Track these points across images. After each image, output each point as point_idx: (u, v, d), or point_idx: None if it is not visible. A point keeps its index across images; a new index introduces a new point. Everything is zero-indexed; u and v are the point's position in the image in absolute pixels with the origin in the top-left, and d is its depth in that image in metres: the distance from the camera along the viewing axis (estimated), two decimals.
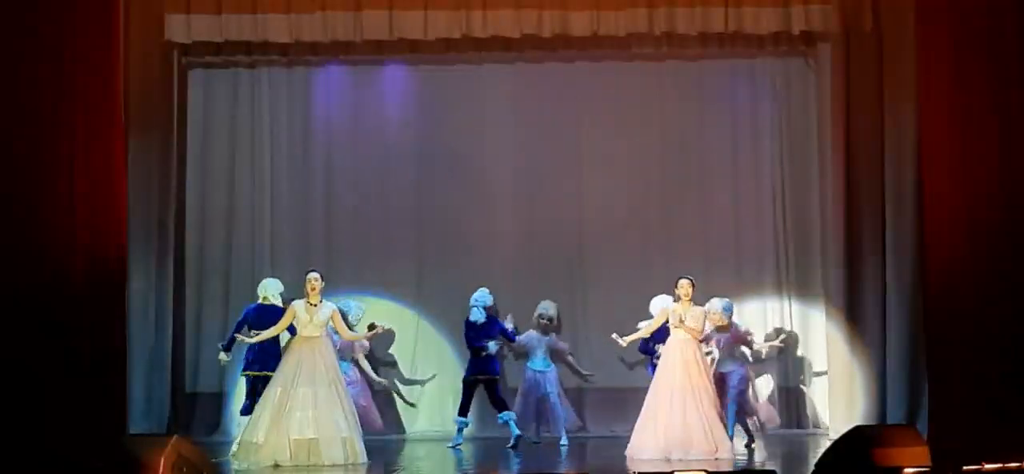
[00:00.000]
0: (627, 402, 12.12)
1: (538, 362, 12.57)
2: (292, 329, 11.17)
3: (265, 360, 11.74)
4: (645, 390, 11.37)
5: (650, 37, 12.76)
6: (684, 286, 11.29)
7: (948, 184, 11.66)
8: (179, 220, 12.95)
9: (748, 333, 12.46)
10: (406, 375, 13.20)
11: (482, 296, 12.43)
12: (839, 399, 12.74)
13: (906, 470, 8.11)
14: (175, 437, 8.53)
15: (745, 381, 12.12)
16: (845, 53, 12.64)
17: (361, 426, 11.12)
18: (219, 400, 12.96)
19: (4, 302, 11.27)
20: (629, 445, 11.16)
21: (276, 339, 11.67)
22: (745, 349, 12.44)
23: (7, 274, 11.33)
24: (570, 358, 12.94)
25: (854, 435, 8.66)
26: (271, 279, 12.36)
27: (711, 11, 12.36)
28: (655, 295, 12.13)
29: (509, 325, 12.56)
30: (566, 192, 13.30)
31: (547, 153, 13.35)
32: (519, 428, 12.10)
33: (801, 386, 13.17)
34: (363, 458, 10.75)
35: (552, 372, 12.58)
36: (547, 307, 12.66)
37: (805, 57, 13.25)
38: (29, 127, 11.53)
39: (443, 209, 13.30)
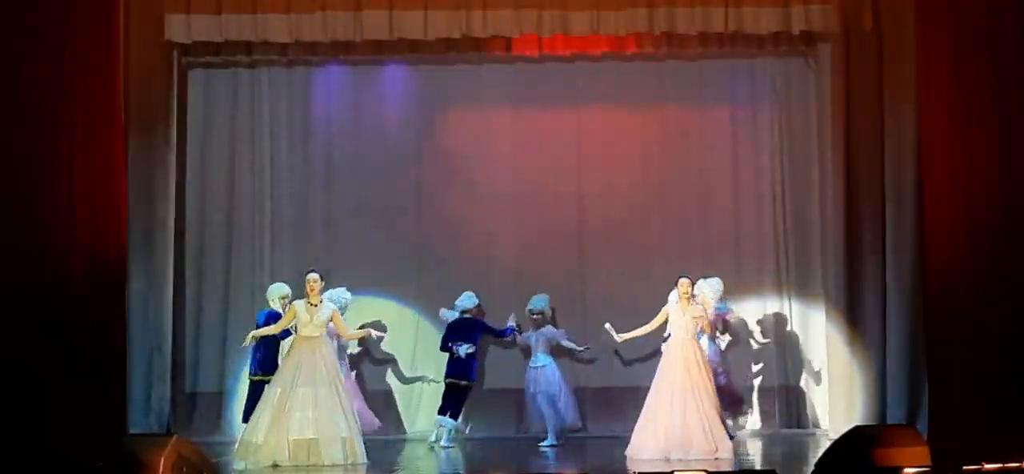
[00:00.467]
0: (627, 402, 12.14)
1: (535, 359, 12.55)
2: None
3: (269, 366, 11.69)
4: (645, 390, 11.37)
5: (650, 37, 12.77)
6: (684, 285, 11.33)
7: (948, 184, 11.68)
8: (179, 220, 12.92)
9: (729, 314, 12.55)
10: (406, 375, 13.20)
11: (462, 298, 12.46)
12: (839, 399, 12.75)
13: (906, 470, 8.12)
14: (175, 437, 8.56)
15: (717, 364, 12.13)
16: (845, 53, 12.65)
17: None
18: (219, 400, 12.96)
19: (4, 302, 11.29)
20: (629, 445, 11.17)
21: (280, 345, 11.67)
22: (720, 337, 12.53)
23: (7, 274, 11.35)
24: (565, 342, 12.66)
25: (854, 435, 8.68)
26: (276, 285, 12.28)
27: (711, 11, 12.35)
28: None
29: (511, 324, 12.56)
30: (566, 192, 13.30)
31: (547, 153, 13.34)
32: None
33: (801, 386, 13.18)
34: (363, 458, 10.74)
35: (550, 368, 12.50)
36: (537, 301, 12.62)
37: (805, 57, 13.24)
38: (29, 127, 11.56)
39: (443, 209, 13.29)
